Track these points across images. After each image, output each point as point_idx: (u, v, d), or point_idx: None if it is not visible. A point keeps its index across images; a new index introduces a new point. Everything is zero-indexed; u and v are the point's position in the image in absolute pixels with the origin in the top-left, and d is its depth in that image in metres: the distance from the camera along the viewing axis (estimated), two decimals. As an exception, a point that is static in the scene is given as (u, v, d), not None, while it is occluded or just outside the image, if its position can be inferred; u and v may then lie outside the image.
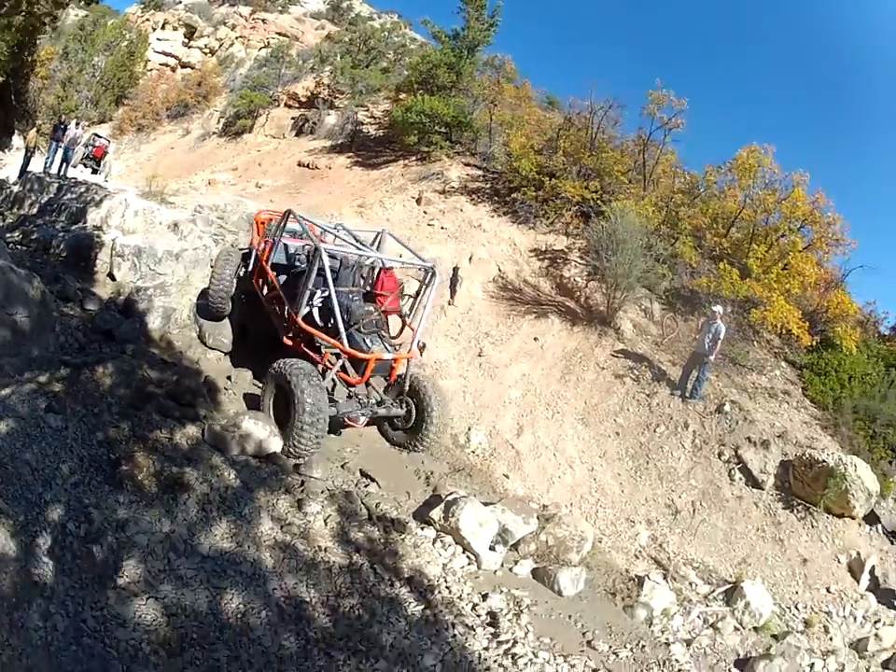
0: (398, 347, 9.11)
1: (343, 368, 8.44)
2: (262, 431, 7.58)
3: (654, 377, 11.63)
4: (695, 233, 15.48)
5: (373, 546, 6.47)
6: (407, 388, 9.16)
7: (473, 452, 10.39)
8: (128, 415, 7.28)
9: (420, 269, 9.91)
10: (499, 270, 15.23)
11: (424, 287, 9.42)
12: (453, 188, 19.30)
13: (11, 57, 18.55)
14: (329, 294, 8.33)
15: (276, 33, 51.83)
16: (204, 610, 4.89)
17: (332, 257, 8.98)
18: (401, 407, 9.14)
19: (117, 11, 53.57)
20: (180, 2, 61.58)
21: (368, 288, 10.00)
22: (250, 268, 10.77)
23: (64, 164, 20.70)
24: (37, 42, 24.11)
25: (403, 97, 25.24)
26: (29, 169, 20.32)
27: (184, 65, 51.01)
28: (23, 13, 14.49)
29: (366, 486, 7.90)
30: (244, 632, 4.90)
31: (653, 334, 13.17)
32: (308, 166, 25.89)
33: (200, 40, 53.49)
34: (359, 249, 9.73)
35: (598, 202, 16.06)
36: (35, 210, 16.73)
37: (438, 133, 22.31)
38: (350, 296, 9.22)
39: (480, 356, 12.51)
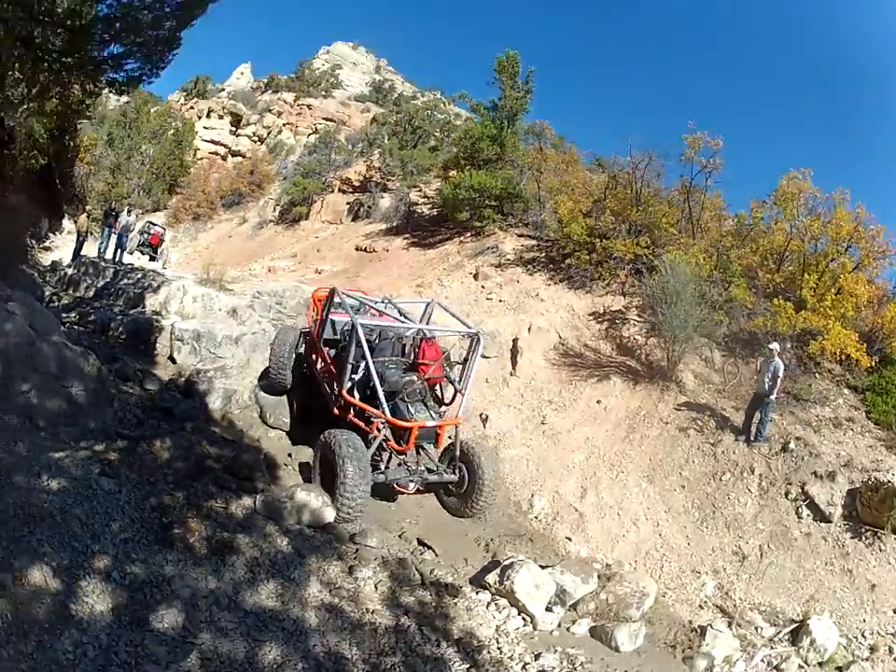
0: (443, 414, 9.67)
1: (389, 436, 8.98)
2: (316, 501, 7.93)
3: (718, 425, 11.88)
4: (748, 274, 15.78)
5: (424, 609, 6.60)
6: (458, 454, 9.54)
7: (536, 518, 10.73)
8: (183, 486, 7.59)
9: (465, 336, 10.63)
10: (559, 337, 15.75)
11: (469, 352, 9.96)
12: (508, 260, 20.12)
13: (51, 141, 19.05)
14: (367, 366, 8.96)
15: (323, 118, 54.42)
16: (241, 659, 5.06)
17: (370, 330, 9.80)
18: (454, 473, 9.53)
19: (159, 98, 56.29)
20: (223, 90, 65.09)
21: (411, 358, 10.65)
22: (307, 345, 11.68)
23: (119, 251, 21.98)
24: (77, 127, 24.89)
25: (452, 174, 26.22)
26: (82, 253, 21.69)
27: (234, 153, 54.00)
28: (55, 98, 14.93)
29: (421, 554, 8.20)
30: (278, 681, 5.19)
31: (715, 382, 13.43)
32: (366, 250, 27.03)
33: (247, 128, 56.47)
34: (400, 321, 10.48)
35: (650, 256, 16.52)
36: (91, 293, 18.11)
37: (489, 206, 23.19)
38: (388, 366, 9.87)
39: (543, 423, 12.93)
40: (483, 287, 18.89)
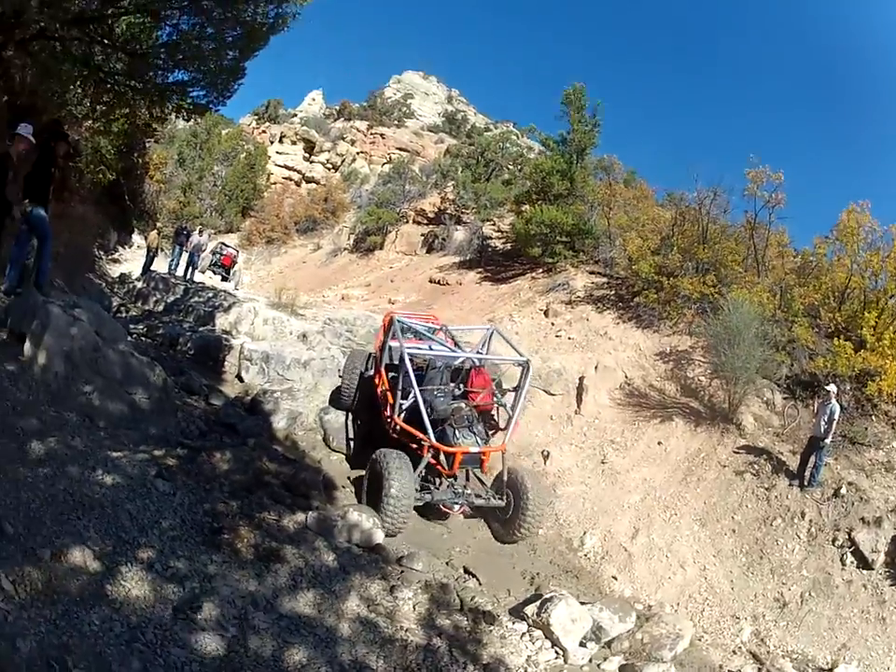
0: (488, 441, 10.54)
1: (437, 460, 9.95)
2: (368, 523, 8.31)
3: (774, 469, 12.10)
4: (810, 312, 15.89)
5: (458, 633, 6.72)
6: (506, 480, 10.36)
7: (585, 555, 11.10)
8: (239, 496, 7.81)
9: (517, 364, 11.38)
10: (626, 376, 16.14)
11: (521, 380, 10.81)
12: (579, 297, 20.63)
13: (119, 158, 19.94)
14: (414, 393, 9.98)
15: (396, 147, 55.92)
16: (267, 656, 5.24)
17: (421, 359, 10.89)
18: (501, 499, 10.32)
19: (230, 120, 58.41)
20: (294, 115, 67.21)
21: (461, 386, 11.58)
22: (373, 368, 12.67)
23: (191, 269, 23.04)
24: (146, 145, 26.60)
25: (525, 208, 26.78)
26: (152, 268, 22.60)
27: (308, 180, 55.65)
28: (122, 119, 15.46)
29: (465, 581, 8.49)
30: (300, 681, 5.44)
31: (775, 425, 13.57)
32: (439, 282, 27.83)
33: (321, 155, 58.16)
34: (452, 350, 11.48)
35: (716, 295, 16.76)
36: (160, 307, 19.02)
37: (560, 242, 23.76)
38: (437, 394, 10.86)
39: (603, 462, 13.35)
40: (552, 323, 19.48)
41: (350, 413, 12.94)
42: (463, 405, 10.79)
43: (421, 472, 10.07)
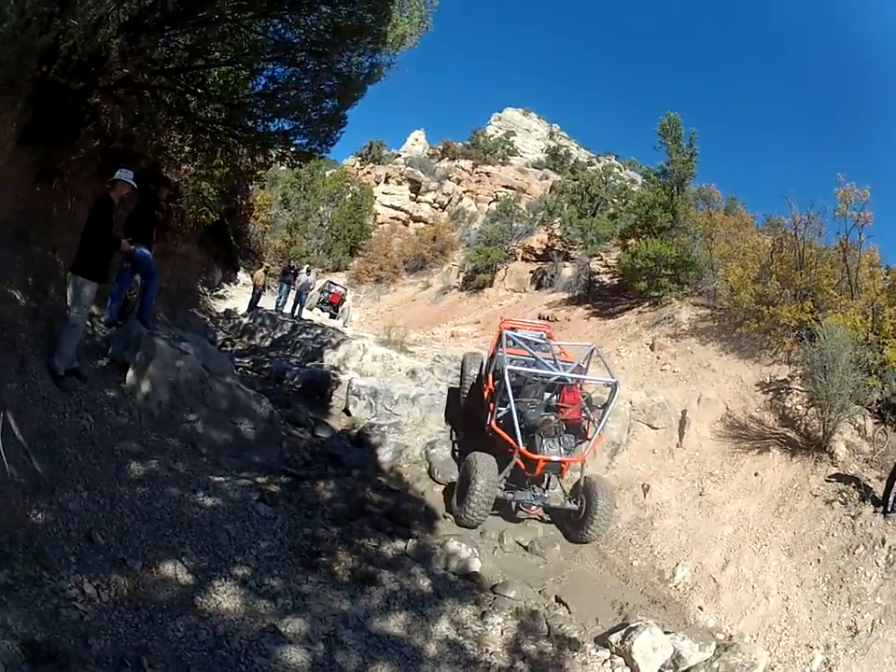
0: (571, 452, 11.92)
1: (525, 464, 11.32)
2: (466, 552, 8.83)
3: (861, 497, 11.98)
4: None
5: (541, 658, 7.06)
6: (582, 486, 11.86)
7: (675, 586, 11.25)
8: (339, 523, 8.29)
9: (606, 385, 12.32)
10: (727, 408, 16.24)
11: (609, 398, 11.87)
12: (683, 330, 20.85)
13: (222, 199, 20.41)
14: (510, 404, 11.40)
15: (502, 185, 57.73)
16: (351, 670, 5.50)
17: (517, 374, 12.00)
18: (575, 503, 11.78)
19: (334, 161, 61.27)
20: (398, 156, 70.16)
21: (553, 401, 12.78)
22: (483, 372, 14.50)
23: (298, 306, 24.06)
24: (249, 187, 27.37)
25: (630, 242, 27.08)
26: (259, 305, 23.71)
27: (415, 219, 58.31)
28: (224, 167, 16.00)
29: (555, 609, 8.79)
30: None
31: (865, 452, 13.46)
32: (548, 319, 28.21)
33: (427, 195, 60.96)
34: (546, 369, 12.53)
35: (812, 321, 16.63)
36: (266, 343, 19.78)
37: (665, 275, 24.00)
38: (529, 406, 12.05)
39: (700, 495, 13.43)
40: (658, 357, 19.78)
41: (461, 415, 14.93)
42: (553, 417, 11.93)
43: (506, 473, 11.49)
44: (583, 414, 12.82)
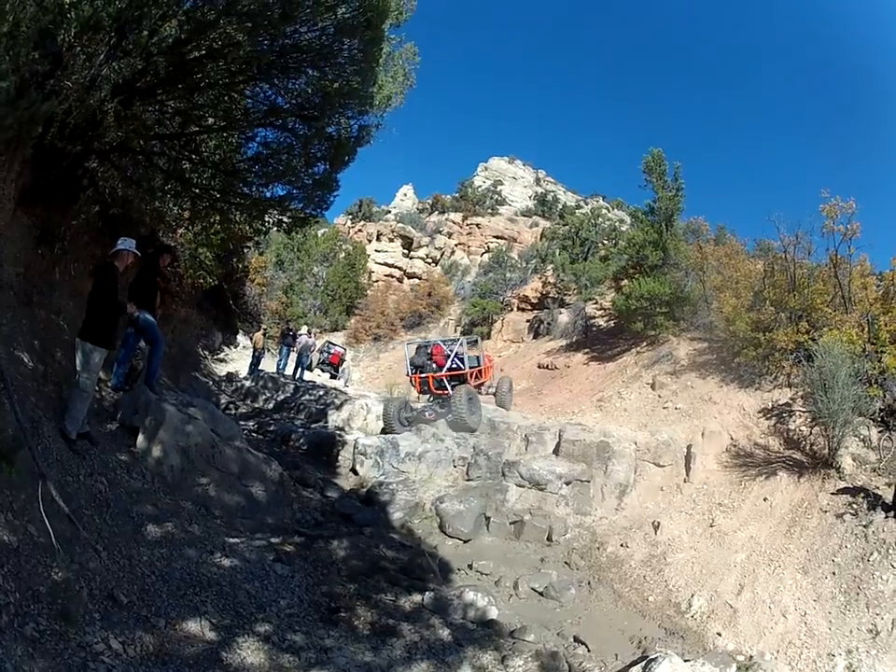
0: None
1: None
2: (483, 601, 9.12)
3: (870, 505, 12.18)
4: None
5: None
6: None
7: (692, 616, 11.32)
8: (356, 579, 8.51)
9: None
10: (731, 438, 16.64)
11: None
12: (682, 366, 21.39)
13: (219, 263, 20.73)
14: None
15: (493, 236, 58.69)
16: None
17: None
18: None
19: (325, 220, 59.91)
20: (388, 212, 71.01)
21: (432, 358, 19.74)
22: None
23: (300, 368, 24.69)
24: (244, 251, 27.65)
25: (624, 283, 27.83)
26: (260, 368, 24.26)
27: (409, 275, 58.53)
28: (220, 232, 16.32)
29: (575, 649, 8.92)
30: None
31: (872, 461, 13.75)
32: (548, 367, 29.09)
33: (419, 250, 61.30)
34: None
35: (810, 341, 17.06)
36: (270, 405, 20.44)
37: (660, 313, 24.58)
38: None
39: (711, 526, 13.58)
40: (659, 396, 20.20)
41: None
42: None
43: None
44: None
